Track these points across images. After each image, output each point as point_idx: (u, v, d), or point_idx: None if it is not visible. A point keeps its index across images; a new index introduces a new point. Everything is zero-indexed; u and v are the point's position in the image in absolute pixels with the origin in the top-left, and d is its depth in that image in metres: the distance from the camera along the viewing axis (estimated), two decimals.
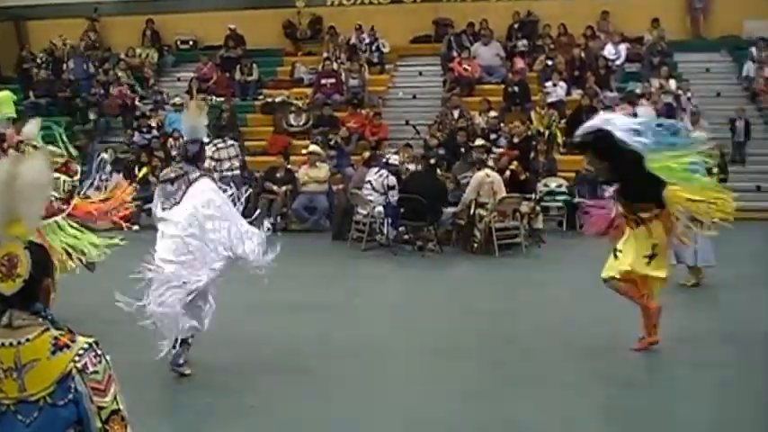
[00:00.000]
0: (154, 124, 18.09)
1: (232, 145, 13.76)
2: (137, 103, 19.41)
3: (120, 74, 19.86)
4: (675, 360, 7.33)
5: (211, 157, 13.81)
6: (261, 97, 19.54)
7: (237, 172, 13.66)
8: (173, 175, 7.28)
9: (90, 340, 2.59)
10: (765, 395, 6.44)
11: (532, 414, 6.11)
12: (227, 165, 13.52)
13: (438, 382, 6.81)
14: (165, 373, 6.98)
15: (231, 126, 17.54)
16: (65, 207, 8.41)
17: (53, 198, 8.34)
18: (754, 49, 18.67)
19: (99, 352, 2.58)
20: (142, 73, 20.41)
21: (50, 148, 10.11)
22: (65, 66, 20.43)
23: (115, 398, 2.56)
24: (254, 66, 20.08)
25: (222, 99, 19.04)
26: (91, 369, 2.53)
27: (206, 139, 7.78)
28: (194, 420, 6.15)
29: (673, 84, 18.10)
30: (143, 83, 20.24)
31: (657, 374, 7.05)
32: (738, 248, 13.23)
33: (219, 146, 13.71)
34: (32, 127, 9.23)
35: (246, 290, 9.99)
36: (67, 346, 2.53)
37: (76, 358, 2.52)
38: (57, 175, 8.98)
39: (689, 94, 17.66)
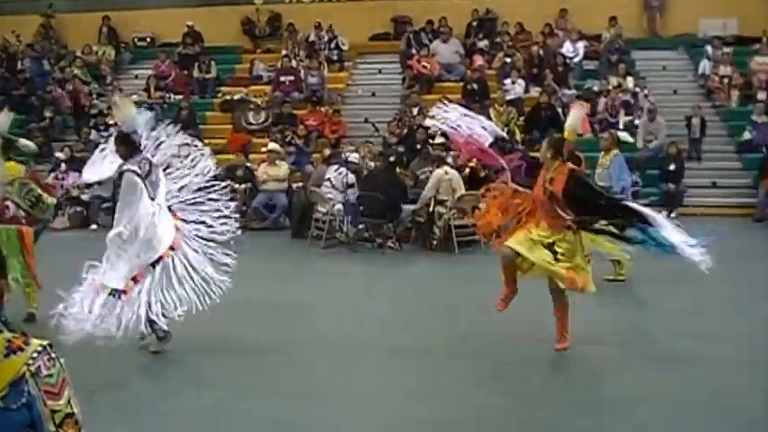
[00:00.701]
0: (111, 122, 17.91)
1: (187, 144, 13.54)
2: (94, 101, 19.21)
3: (76, 71, 19.64)
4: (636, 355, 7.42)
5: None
6: (219, 95, 19.44)
7: None
8: (147, 167, 7.31)
9: (44, 343, 2.56)
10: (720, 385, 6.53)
11: (504, 412, 6.14)
12: None
13: (404, 381, 6.82)
14: (121, 371, 6.94)
15: (190, 124, 17.43)
16: (23, 220, 8.27)
17: (14, 203, 8.21)
18: (709, 48, 18.92)
19: (53, 355, 2.55)
20: (99, 71, 20.20)
21: (23, 141, 9.98)
22: (19, 63, 20.17)
23: (69, 401, 2.53)
24: (213, 63, 19.97)
25: (180, 97, 18.93)
26: (45, 372, 2.50)
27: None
28: (153, 419, 6.11)
29: (630, 81, 18.31)
30: (100, 80, 20.03)
31: (622, 371, 7.12)
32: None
33: None
34: (3, 117, 9.08)
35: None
36: (21, 349, 2.50)
37: (30, 361, 2.49)
38: (26, 181, 8.80)
39: (646, 92, 17.89)
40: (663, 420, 5.93)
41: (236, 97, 18.93)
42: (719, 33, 19.56)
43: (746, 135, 16.97)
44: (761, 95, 17.77)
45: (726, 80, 18.29)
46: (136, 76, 20.83)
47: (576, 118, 7.94)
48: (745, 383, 6.62)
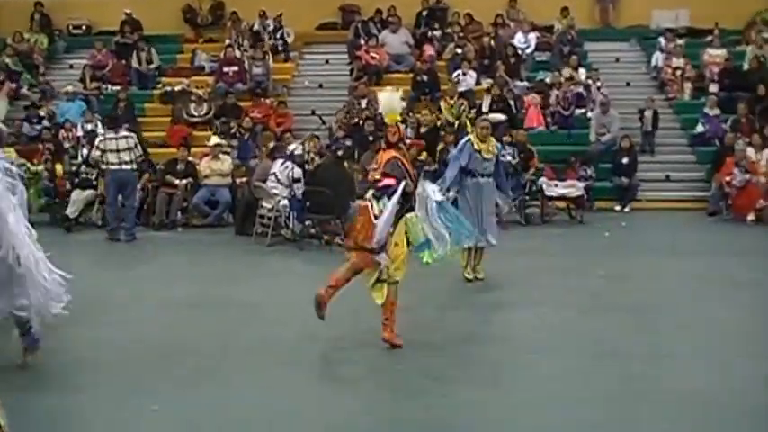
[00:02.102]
0: (44, 114, 17.62)
1: (125, 137, 13.25)
2: (25, 91, 18.86)
3: (7, 61, 19.28)
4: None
5: (97, 147, 13.38)
6: (159, 86, 19.21)
7: (128, 167, 13.14)
8: None
9: None
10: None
11: (455, 413, 6.16)
12: (112, 158, 13.03)
13: (353, 380, 6.80)
14: (53, 377, 6.81)
15: (127, 117, 17.22)
16: None
17: None
18: (662, 40, 19.23)
19: None
20: (31, 60, 19.81)
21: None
22: None
23: None
24: (153, 53, 19.72)
25: (118, 88, 18.66)
26: None
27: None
28: (91, 425, 6.02)
29: (582, 73, 18.48)
30: (32, 70, 19.65)
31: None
32: (643, 238, 13.69)
33: (108, 136, 13.29)
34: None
35: (142, 286, 9.88)
36: None
37: None
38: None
39: (599, 84, 18.06)
40: (613, 420, 5.99)
41: (176, 89, 18.73)
42: (672, 25, 19.88)
43: (699, 128, 17.22)
44: (713, 88, 18.07)
45: (678, 72, 18.57)
46: (71, 66, 20.48)
47: (386, 102, 7.92)
48: (704, 380, 6.68)
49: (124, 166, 13.05)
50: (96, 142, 13.55)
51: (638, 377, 6.77)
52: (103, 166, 13.24)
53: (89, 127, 16.73)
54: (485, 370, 7.08)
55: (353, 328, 8.21)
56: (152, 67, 19.58)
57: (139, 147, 13.50)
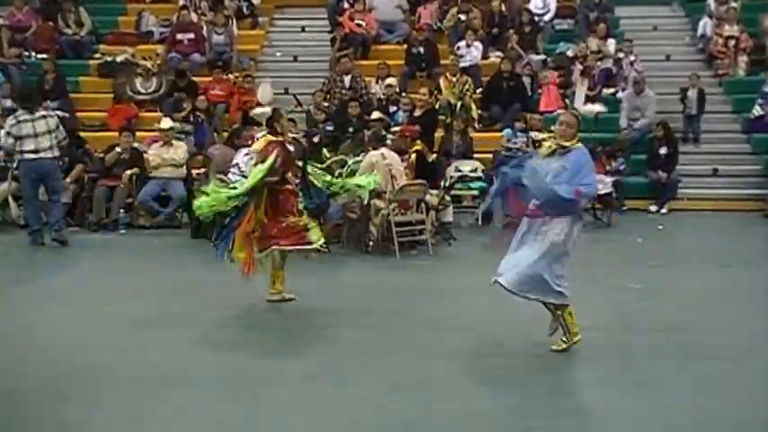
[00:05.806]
0: None
1: (44, 117, 13.12)
2: None
3: None
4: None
5: (9, 133, 13.15)
6: (97, 56, 19.22)
7: (48, 155, 12.99)
8: None
9: None
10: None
11: None
12: (28, 145, 12.86)
13: (321, 416, 6.86)
14: None
15: (59, 92, 17.24)
16: None
17: None
18: (711, 2, 19.16)
19: None
20: None
21: None
22: None
23: None
24: (82, 13, 19.63)
25: (45, 56, 18.62)
26: None
27: None
28: None
29: (612, 45, 18.52)
30: None
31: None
32: (684, 245, 13.75)
33: (21, 118, 12.96)
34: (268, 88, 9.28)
35: (77, 302, 9.89)
36: None
37: None
38: None
39: (632, 58, 18.10)
40: None
41: (118, 59, 18.73)
42: None
43: (757, 111, 17.20)
44: None
45: (731, 43, 18.53)
46: None
47: None
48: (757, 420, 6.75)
49: (43, 154, 12.88)
50: (7, 127, 13.21)
51: (680, 412, 6.82)
52: (17, 156, 13.11)
53: (8, 104, 16.65)
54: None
55: (331, 351, 8.29)
56: (84, 31, 19.55)
57: (62, 128, 13.33)
